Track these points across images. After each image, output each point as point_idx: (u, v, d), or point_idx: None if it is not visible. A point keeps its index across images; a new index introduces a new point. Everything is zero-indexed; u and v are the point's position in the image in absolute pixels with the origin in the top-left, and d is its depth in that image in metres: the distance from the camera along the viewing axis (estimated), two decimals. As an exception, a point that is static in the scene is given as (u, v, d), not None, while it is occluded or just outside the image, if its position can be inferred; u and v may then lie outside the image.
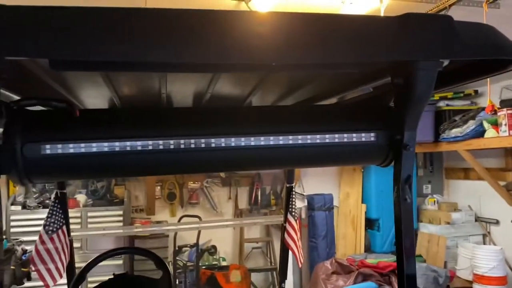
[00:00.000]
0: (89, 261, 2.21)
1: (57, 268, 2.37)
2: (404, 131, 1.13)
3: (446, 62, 1.04)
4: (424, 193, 6.84)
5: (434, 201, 6.59)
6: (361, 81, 1.38)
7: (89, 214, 5.42)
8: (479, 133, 5.10)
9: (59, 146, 1.01)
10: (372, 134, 1.18)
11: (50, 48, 0.81)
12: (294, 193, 2.73)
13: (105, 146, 1.03)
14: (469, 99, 6.12)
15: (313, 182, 6.59)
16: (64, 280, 2.51)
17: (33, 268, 2.73)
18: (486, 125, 4.99)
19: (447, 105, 5.98)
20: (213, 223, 5.56)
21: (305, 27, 0.95)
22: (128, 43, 0.84)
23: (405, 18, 0.97)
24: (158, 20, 0.87)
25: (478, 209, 6.32)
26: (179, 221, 5.71)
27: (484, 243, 6.13)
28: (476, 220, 6.28)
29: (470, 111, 5.65)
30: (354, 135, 1.17)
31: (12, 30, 0.79)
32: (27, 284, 4.01)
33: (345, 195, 6.73)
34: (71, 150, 1.02)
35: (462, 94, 6.07)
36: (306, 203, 6.48)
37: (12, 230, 5.14)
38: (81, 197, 5.56)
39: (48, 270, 2.35)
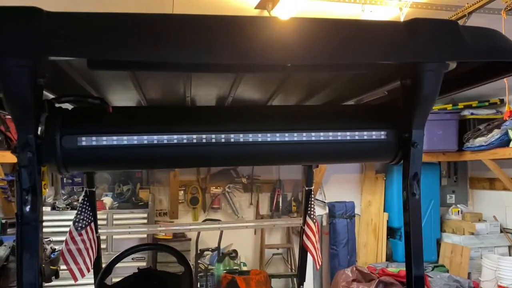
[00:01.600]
0: (117, 254, 2.31)
1: (85, 263, 2.48)
2: (412, 129, 1.19)
3: (453, 65, 1.10)
4: (448, 203, 6.75)
5: (458, 211, 6.50)
6: (375, 84, 1.45)
7: (115, 216, 5.57)
8: (504, 142, 5.03)
9: (94, 138, 1.12)
10: (382, 132, 1.25)
11: (88, 48, 0.92)
12: (313, 196, 2.79)
13: (134, 139, 1.14)
14: (494, 108, 6.04)
15: (334, 189, 6.59)
16: (89, 277, 2.62)
17: (61, 267, 2.85)
18: (511, 134, 4.93)
19: (472, 114, 5.91)
20: (234, 224, 5.63)
21: (320, 31, 1.02)
22: (160, 45, 0.93)
23: (413, 22, 1.04)
24: (189, 25, 0.97)
25: (504, 220, 6.20)
26: (201, 225, 5.80)
27: (510, 255, 6.01)
28: (501, 231, 6.15)
29: (495, 120, 5.58)
30: (365, 133, 1.24)
31: (54, 33, 0.90)
32: (54, 282, 4.16)
33: (367, 203, 6.70)
34: (104, 143, 1.12)
35: (487, 103, 6.00)
36: (327, 211, 6.48)
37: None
38: (107, 200, 5.73)
39: (77, 264, 2.47)
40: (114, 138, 1.13)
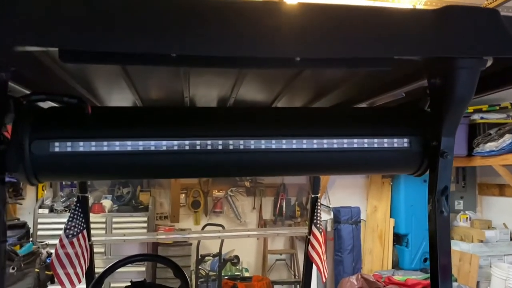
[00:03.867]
0: (107, 266, 2.17)
1: (76, 273, 2.35)
2: (442, 137, 1.03)
3: (490, 61, 0.94)
4: (456, 209, 6.59)
5: (467, 217, 6.35)
6: (392, 84, 1.29)
7: (114, 219, 5.44)
8: (516, 147, 4.88)
9: (69, 144, 0.96)
10: (405, 140, 1.09)
11: (59, 37, 0.77)
12: (319, 204, 2.64)
13: (116, 146, 0.98)
14: (505, 112, 5.88)
15: (339, 194, 6.44)
16: (83, 285, 2.48)
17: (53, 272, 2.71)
18: (523, 139, 4.77)
19: (482, 118, 5.76)
20: (235, 233, 5.49)
21: (335, 20, 0.87)
22: (145, 34, 0.79)
23: (444, 10, 0.88)
24: (178, 10, 0.82)
25: (514, 227, 6.04)
26: (202, 229, 5.67)
27: (521, 264, 5.84)
28: (511, 239, 5.99)
29: (506, 124, 5.43)
30: (385, 140, 1.08)
31: (21, 19, 0.75)
32: (50, 287, 4.03)
33: (373, 209, 6.54)
34: (81, 149, 0.97)
35: (497, 107, 5.84)
36: (332, 216, 6.34)
37: (39, 233, 5.21)
38: (106, 203, 5.60)
39: (67, 274, 2.33)
40: (93, 143, 0.97)
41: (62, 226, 4.76)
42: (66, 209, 5.40)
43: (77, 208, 2.39)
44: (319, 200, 2.64)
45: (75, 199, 5.53)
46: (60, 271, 2.32)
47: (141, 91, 1.55)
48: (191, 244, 5.68)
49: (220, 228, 5.43)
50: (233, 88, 1.47)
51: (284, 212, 6.31)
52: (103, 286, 2.19)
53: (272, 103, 1.74)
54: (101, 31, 0.79)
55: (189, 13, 0.81)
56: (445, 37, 0.89)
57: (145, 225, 5.52)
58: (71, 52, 0.82)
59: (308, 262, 2.66)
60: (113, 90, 1.58)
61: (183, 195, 6.23)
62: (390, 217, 6.42)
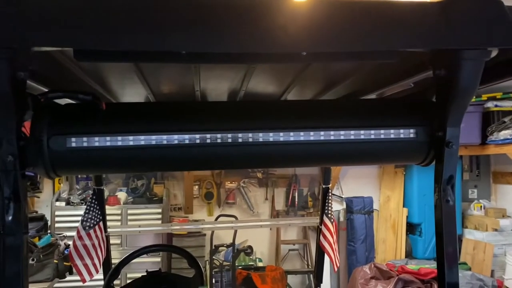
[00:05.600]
0: (123, 257, 2.23)
1: (93, 264, 2.41)
2: (447, 127, 1.04)
3: (494, 52, 0.95)
4: (469, 198, 6.54)
5: (481, 206, 6.29)
6: (401, 75, 1.30)
7: (129, 211, 5.53)
8: (531, 135, 4.81)
9: (85, 139, 1.00)
10: (412, 131, 1.10)
11: (74, 37, 0.80)
12: (330, 194, 2.66)
13: (130, 140, 1.02)
14: (519, 99, 5.79)
15: (352, 184, 6.44)
16: (100, 275, 2.55)
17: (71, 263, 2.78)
18: (538, 126, 4.71)
19: (496, 106, 5.67)
20: (249, 223, 5.54)
21: (340, 14, 0.89)
22: (158, 32, 0.82)
23: (449, 2, 0.90)
24: (189, 8, 0.84)
25: (529, 216, 5.98)
26: (216, 220, 5.73)
27: (535, 252, 5.78)
28: (526, 228, 5.94)
29: (521, 112, 5.35)
30: (392, 131, 1.10)
31: (34, 19, 0.79)
32: (69, 277, 4.13)
33: (386, 199, 6.53)
34: (96, 144, 1.01)
35: (512, 95, 5.76)
36: (344, 206, 6.34)
37: (56, 225, 5.33)
38: (121, 195, 5.69)
39: (85, 265, 2.40)
40: (108, 138, 1.01)
41: (79, 218, 4.85)
42: (82, 201, 5.50)
43: (93, 201, 2.45)
44: (330, 190, 2.66)
45: (90, 192, 5.66)
46: (78, 262, 2.38)
47: (153, 85, 1.58)
48: (205, 235, 5.74)
49: (233, 218, 5.49)
50: (243, 81, 1.49)
51: (296, 202, 6.32)
52: (119, 276, 2.25)
53: (282, 95, 1.76)
54: (114, 30, 0.82)
55: (199, 11, 0.84)
56: (450, 29, 0.90)
57: (160, 216, 5.60)
58: (85, 51, 0.85)
59: (320, 252, 2.69)
60: (126, 85, 1.62)
61: (196, 186, 6.29)
62: (403, 206, 6.39)
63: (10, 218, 0.88)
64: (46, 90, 1.13)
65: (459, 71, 0.95)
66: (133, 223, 5.42)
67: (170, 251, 2.48)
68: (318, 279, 2.79)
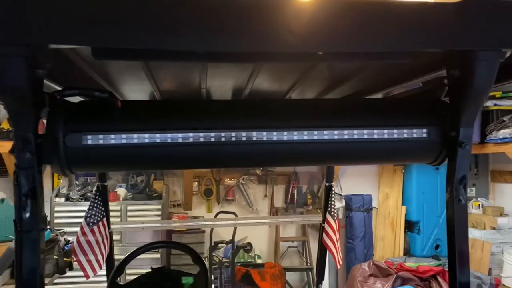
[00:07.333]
0: (128, 253, 2.23)
1: (97, 260, 2.41)
2: (460, 127, 1.05)
3: (508, 53, 0.96)
4: (468, 196, 6.51)
5: (479, 205, 6.32)
6: (411, 74, 1.31)
7: (129, 207, 5.53)
8: (530, 134, 4.83)
9: (101, 136, 1.00)
10: (424, 130, 1.11)
11: (92, 35, 0.80)
12: (333, 192, 2.67)
13: (146, 138, 1.02)
14: (519, 98, 5.80)
15: (351, 182, 6.45)
16: (103, 271, 2.55)
17: (75, 258, 2.78)
18: (538, 126, 4.73)
19: (495, 104, 5.68)
20: (249, 220, 5.55)
21: (355, 14, 0.90)
22: (175, 31, 0.82)
23: (464, 3, 0.90)
24: (210, 7, 0.84)
25: (527, 215, 6.01)
26: (215, 217, 5.73)
27: (533, 251, 5.82)
28: (524, 226, 5.97)
29: (520, 111, 5.37)
30: (405, 130, 1.10)
31: (55, 18, 0.79)
32: (69, 273, 4.13)
33: (385, 196, 6.55)
34: (112, 141, 1.01)
35: (511, 94, 5.77)
36: (344, 204, 6.36)
37: (56, 221, 5.32)
38: (121, 191, 5.68)
39: (89, 261, 2.40)
40: (123, 136, 1.01)
41: (78, 214, 4.87)
42: (81, 197, 5.50)
43: (97, 197, 2.45)
44: (333, 188, 2.67)
45: (90, 187, 5.64)
46: (82, 258, 2.39)
47: (160, 83, 1.58)
48: (204, 232, 5.74)
49: (232, 215, 5.49)
50: (249, 79, 1.50)
51: (295, 200, 6.34)
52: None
53: (287, 93, 1.76)
54: (133, 29, 0.82)
55: (219, 10, 0.84)
56: (465, 30, 0.91)
57: (159, 212, 5.60)
58: (104, 49, 0.85)
59: (323, 249, 2.70)
60: (131, 82, 1.61)
61: (196, 183, 6.28)
62: (402, 204, 6.41)
63: (27, 214, 0.89)
64: (59, 88, 1.13)
65: (474, 71, 0.96)
66: (133, 219, 5.42)
67: (175, 247, 2.49)
68: (320, 276, 2.80)
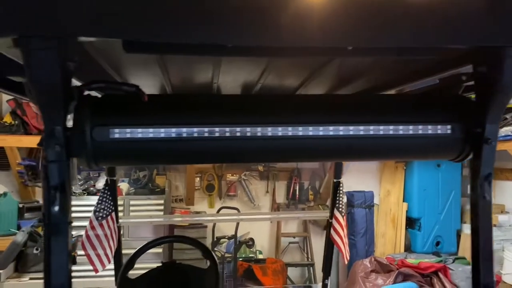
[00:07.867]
0: (138, 248, 2.23)
1: (106, 254, 2.41)
2: (486, 124, 1.05)
3: None
4: (469, 194, 6.53)
5: (480, 202, 6.34)
6: (430, 70, 1.30)
7: (131, 202, 5.51)
8: (533, 132, 4.85)
9: (128, 130, 1.00)
10: (449, 127, 1.10)
11: (124, 28, 0.80)
12: (341, 188, 2.67)
13: (172, 132, 1.02)
14: (521, 96, 5.82)
15: (353, 178, 6.46)
16: (111, 266, 2.55)
17: (78, 252, 2.77)
18: (541, 124, 4.74)
19: (498, 102, 5.71)
20: (252, 216, 5.57)
21: (386, 8, 0.89)
22: (206, 24, 0.81)
23: None
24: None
25: (528, 212, 6.04)
26: (218, 212, 5.74)
27: (533, 248, 5.84)
28: (525, 224, 6.00)
29: (523, 109, 5.38)
30: (430, 127, 1.10)
31: (85, 10, 0.78)
32: (73, 267, 4.12)
33: (386, 193, 6.57)
34: (139, 135, 1.01)
35: (514, 92, 5.78)
36: (345, 200, 6.37)
37: (58, 215, 5.31)
38: (123, 186, 5.67)
39: (98, 255, 2.40)
40: (151, 130, 1.01)
41: (81, 208, 4.86)
42: (84, 192, 5.50)
43: (106, 191, 2.45)
44: (341, 184, 2.67)
45: (92, 182, 5.62)
46: (90, 252, 2.39)
47: (172, 77, 1.58)
48: (206, 227, 5.76)
49: (235, 211, 5.51)
50: (262, 74, 1.49)
51: (297, 196, 6.36)
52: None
53: (298, 89, 1.75)
54: (164, 22, 0.82)
55: (249, 4, 0.84)
56: (494, 26, 0.91)
57: (162, 207, 5.59)
58: (135, 43, 0.85)
59: (329, 245, 2.71)
60: (144, 75, 1.61)
61: (198, 178, 6.29)
62: (403, 201, 6.43)
63: (56, 208, 0.88)
64: (78, 82, 1.13)
65: (501, 68, 0.95)
66: (136, 214, 5.42)
67: (186, 242, 2.48)
68: (326, 272, 2.81)
